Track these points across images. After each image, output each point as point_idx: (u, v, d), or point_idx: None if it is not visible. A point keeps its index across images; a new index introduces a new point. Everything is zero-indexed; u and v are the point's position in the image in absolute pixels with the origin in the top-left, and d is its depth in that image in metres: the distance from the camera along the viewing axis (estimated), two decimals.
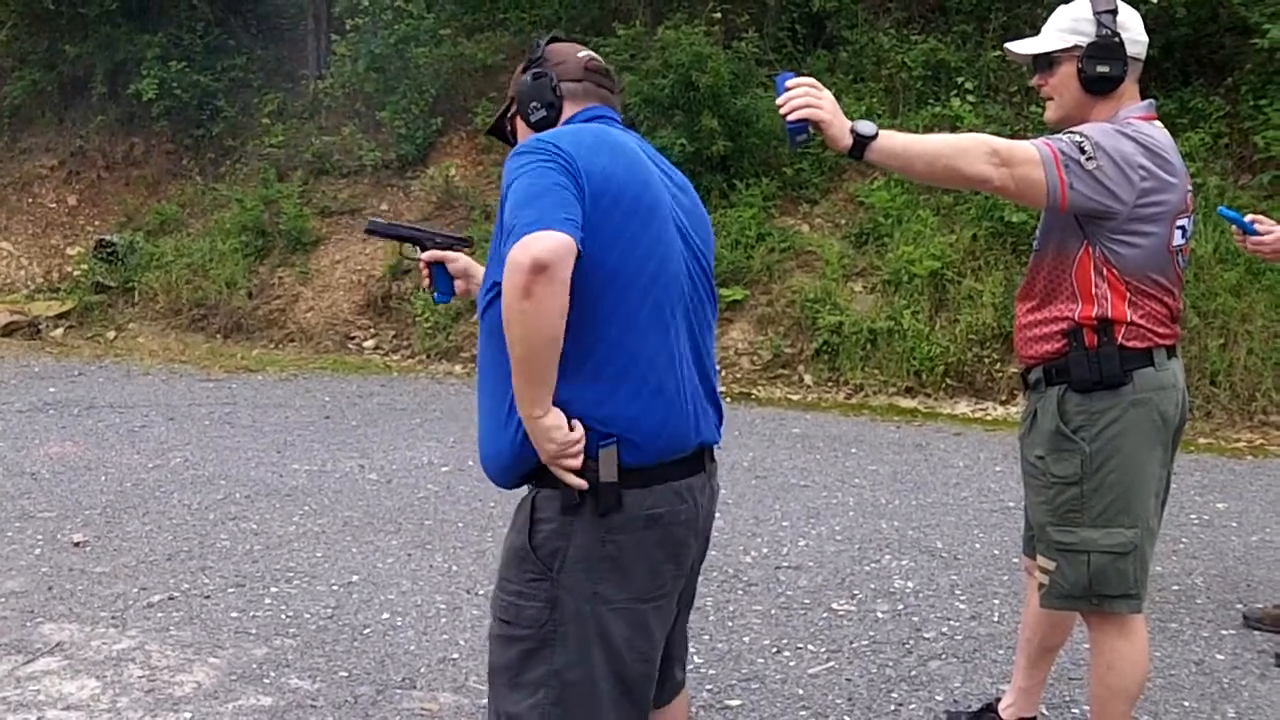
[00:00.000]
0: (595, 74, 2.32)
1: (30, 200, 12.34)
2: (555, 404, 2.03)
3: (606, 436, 2.06)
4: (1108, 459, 2.68)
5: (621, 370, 2.07)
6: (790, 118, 2.49)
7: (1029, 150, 2.58)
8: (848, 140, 2.51)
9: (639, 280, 2.08)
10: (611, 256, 2.05)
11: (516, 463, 2.13)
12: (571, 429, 2.04)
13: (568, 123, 2.27)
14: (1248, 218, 3.45)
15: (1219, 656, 3.86)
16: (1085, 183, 2.56)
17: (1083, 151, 2.57)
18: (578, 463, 2.05)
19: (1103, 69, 2.70)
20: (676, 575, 2.21)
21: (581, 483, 2.06)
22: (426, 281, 2.67)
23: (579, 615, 2.12)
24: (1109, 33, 2.69)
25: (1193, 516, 5.36)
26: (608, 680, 2.14)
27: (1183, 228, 2.72)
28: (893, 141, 2.55)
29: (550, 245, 1.89)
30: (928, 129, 9.11)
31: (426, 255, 2.67)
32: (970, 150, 2.58)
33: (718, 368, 2.43)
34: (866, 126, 2.52)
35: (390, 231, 2.78)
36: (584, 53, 2.34)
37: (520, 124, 2.35)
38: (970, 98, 9.23)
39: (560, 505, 2.11)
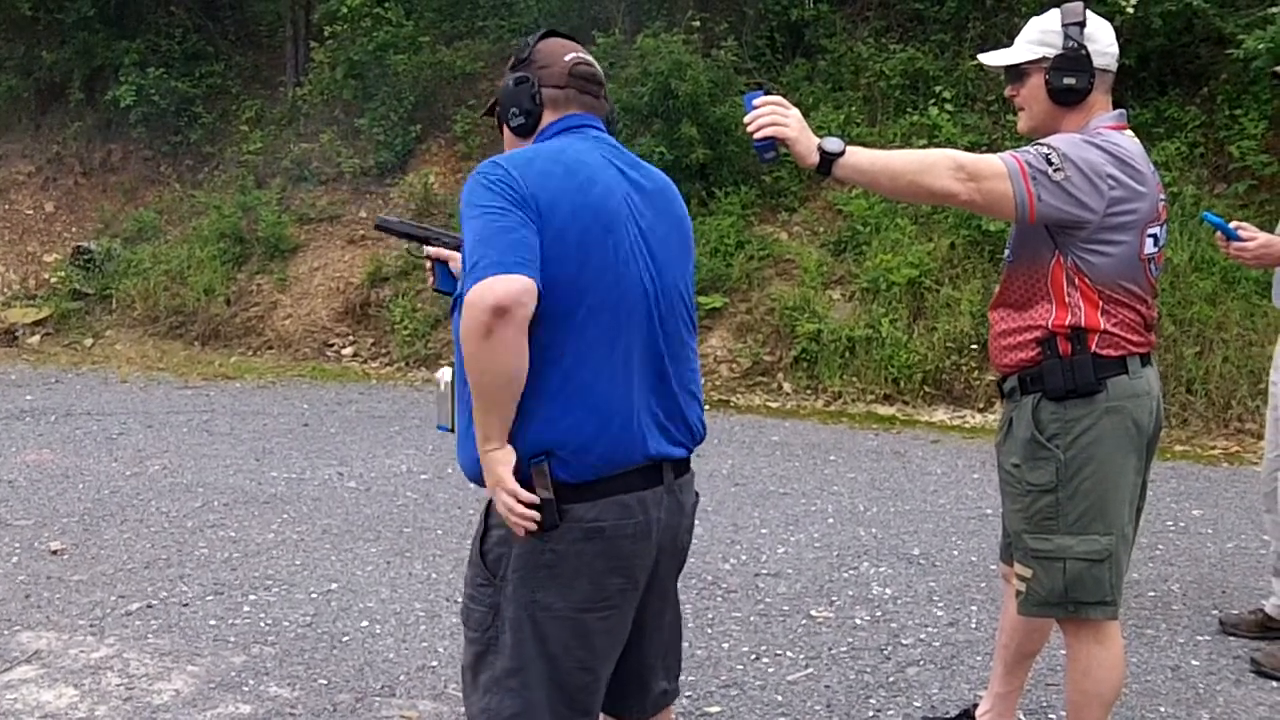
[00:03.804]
0: (579, 80, 2.30)
1: (7, 207, 12.26)
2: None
3: (537, 454, 2.11)
4: (1082, 466, 2.70)
5: (556, 388, 2.10)
6: (757, 136, 2.52)
7: (995, 164, 2.60)
8: (814, 157, 2.53)
9: (583, 301, 2.10)
10: (548, 274, 2.07)
11: (479, 472, 2.21)
12: (520, 491, 2.09)
13: (544, 130, 2.27)
14: (1231, 224, 3.49)
15: (1194, 662, 3.89)
16: (1053, 194, 2.59)
17: (1050, 163, 2.59)
18: (521, 521, 2.10)
19: (1069, 81, 2.73)
20: (626, 588, 2.21)
21: (524, 524, 2.10)
22: (430, 278, 2.75)
23: (518, 622, 2.17)
24: (1075, 45, 2.72)
25: (1169, 523, 5.40)
26: (545, 688, 2.18)
27: (1155, 236, 2.75)
28: (859, 158, 2.57)
29: (511, 290, 1.97)
30: (906, 138, 9.16)
31: (431, 251, 2.70)
32: (935, 165, 2.60)
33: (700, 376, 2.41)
34: (833, 143, 2.54)
35: (400, 229, 2.81)
36: (571, 55, 2.31)
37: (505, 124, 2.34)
38: (948, 107, 9.28)
39: None
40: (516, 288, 1.97)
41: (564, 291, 2.09)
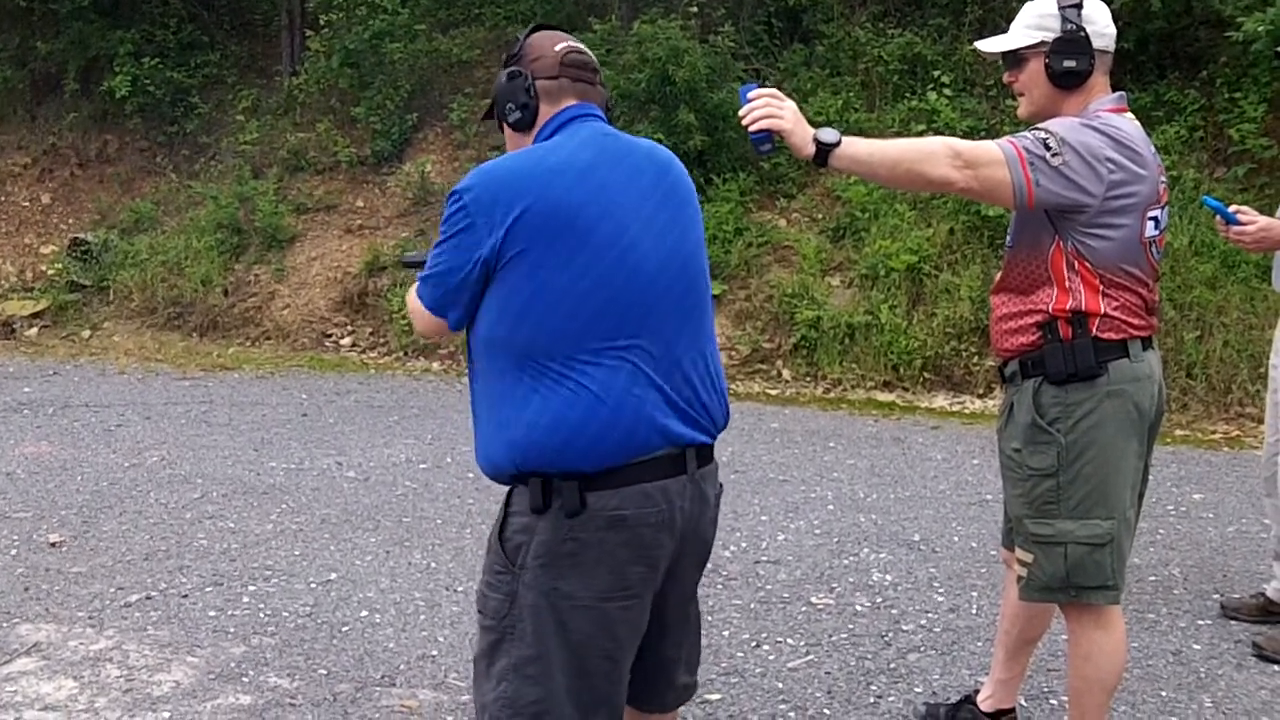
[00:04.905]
0: (572, 68, 2.29)
1: (3, 199, 12.22)
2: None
3: (552, 463, 2.14)
4: (1083, 451, 2.69)
5: (556, 379, 2.12)
6: (753, 128, 2.51)
7: (992, 150, 2.59)
8: (810, 148, 2.52)
9: (570, 296, 2.11)
10: (536, 279, 2.11)
11: (499, 468, 2.22)
12: None
13: (544, 126, 2.28)
14: (1231, 208, 3.47)
15: (1196, 647, 3.89)
16: (1052, 179, 2.57)
17: (1048, 148, 2.57)
18: None
19: (1069, 64, 2.71)
20: (647, 577, 2.20)
21: None
22: None
23: (537, 610, 2.16)
24: (1074, 27, 2.70)
25: (1170, 508, 5.40)
26: (567, 676, 2.17)
27: (1155, 219, 2.73)
28: (855, 148, 2.56)
29: (428, 330, 2.31)
30: (904, 123, 9.14)
31: None
32: (933, 154, 2.59)
33: (720, 362, 2.41)
34: (829, 134, 2.53)
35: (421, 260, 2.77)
36: (562, 45, 2.31)
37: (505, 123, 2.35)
38: (947, 91, 9.25)
39: (529, 502, 2.16)
40: (433, 330, 2.30)
41: (546, 289, 2.11)
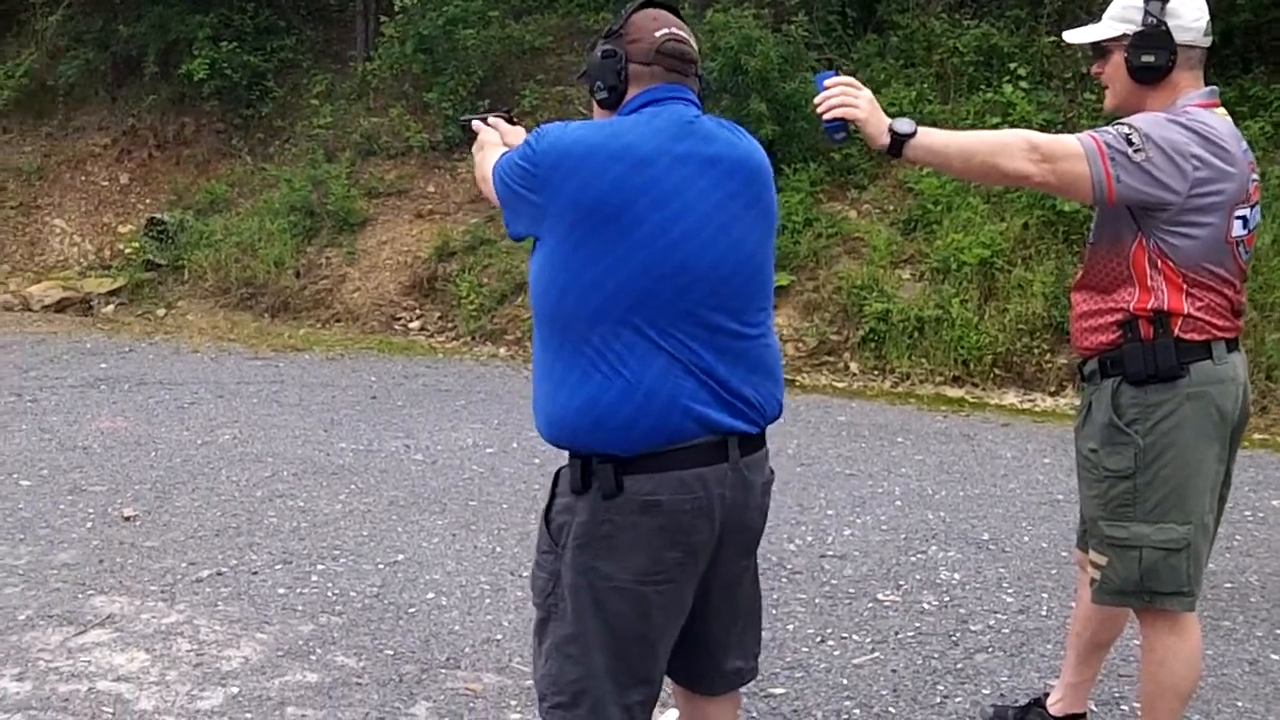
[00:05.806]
0: (668, 58, 2.27)
1: (83, 178, 12.47)
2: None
3: (585, 441, 2.19)
4: (1162, 453, 2.64)
5: (592, 361, 2.15)
6: (827, 116, 2.50)
7: (1071, 145, 2.55)
8: (885, 138, 2.51)
9: (609, 281, 2.13)
10: (578, 259, 2.15)
11: (545, 435, 2.28)
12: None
13: (629, 102, 2.28)
14: None
15: (1274, 657, 3.80)
16: (1133, 175, 2.52)
17: (1130, 143, 2.52)
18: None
19: (1147, 59, 2.66)
20: (684, 562, 2.21)
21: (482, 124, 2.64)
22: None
23: (576, 590, 2.20)
24: (1154, 21, 2.65)
25: (1247, 514, 5.27)
26: (605, 655, 2.21)
27: (1244, 218, 2.67)
28: (931, 139, 2.54)
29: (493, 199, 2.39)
30: (979, 115, 9.01)
31: (481, 122, 2.70)
32: (1009, 146, 2.56)
33: (778, 351, 2.41)
34: (904, 124, 2.51)
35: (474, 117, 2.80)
36: (663, 31, 2.28)
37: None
38: (1023, 84, 9.11)
39: (570, 484, 2.22)
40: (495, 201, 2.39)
41: (585, 272, 2.14)
